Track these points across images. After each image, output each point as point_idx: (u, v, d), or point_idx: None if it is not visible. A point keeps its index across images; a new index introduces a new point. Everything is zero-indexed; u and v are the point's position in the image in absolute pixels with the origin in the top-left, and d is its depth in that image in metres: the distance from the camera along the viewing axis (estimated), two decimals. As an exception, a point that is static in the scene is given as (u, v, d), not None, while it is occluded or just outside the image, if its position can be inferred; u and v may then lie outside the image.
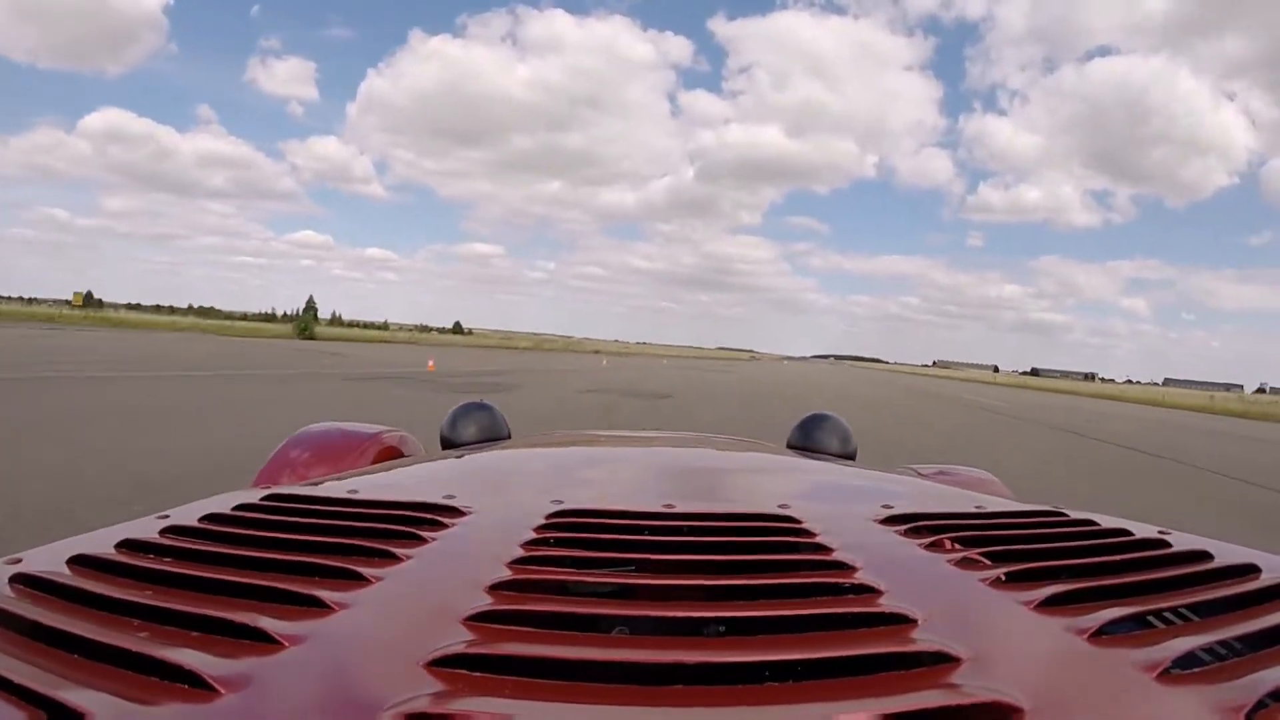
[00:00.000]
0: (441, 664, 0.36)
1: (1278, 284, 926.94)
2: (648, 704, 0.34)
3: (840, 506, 0.82)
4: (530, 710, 0.33)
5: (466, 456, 1.12)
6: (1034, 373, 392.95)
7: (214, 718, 0.32)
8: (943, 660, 0.37)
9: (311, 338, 39.35)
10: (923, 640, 0.39)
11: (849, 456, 1.53)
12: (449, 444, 1.52)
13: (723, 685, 0.36)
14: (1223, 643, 0.43)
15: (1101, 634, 0.42)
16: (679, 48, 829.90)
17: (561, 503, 0.66)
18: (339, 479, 0.84)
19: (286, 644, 0.38)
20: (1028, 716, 0.32)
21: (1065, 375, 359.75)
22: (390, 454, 1.54)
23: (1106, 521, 0.67)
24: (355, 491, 0.71)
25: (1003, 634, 0.43)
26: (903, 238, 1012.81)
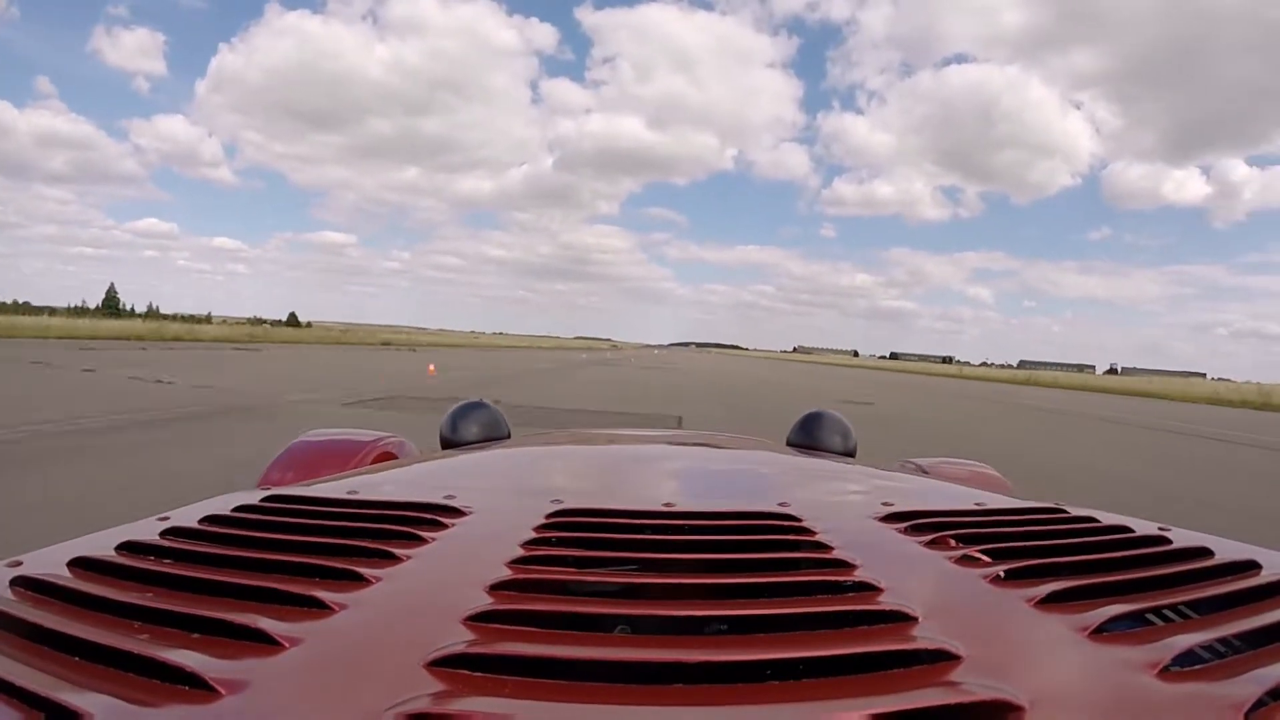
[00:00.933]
0: (442, 664, 0.36)
1: (1114, 275, 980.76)
2: (649, 703, 0.34)
3: (840, 504, 0.82)
4: (531, 710, 0.32)
5: (466, 456, 1.11)
6: (894, 356, 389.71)
7: (215, 719, 0.32)
8: (943, 658, 0.37)
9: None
10: (923, 638, 0.39)
11: (849, 454, 1.52)
12: (448, 444, 1.52)
13: (724, 684, 0.36)
14: (1223, 640, 0.43)
15: (1102, 631, 0.42)
16: (544, 35, 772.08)
17: (561, 502, 0.66)
18: (338, 480, 0.83)
19: (287, 645, 0.38)
20: (1028, 714, 0.32)
21: (924, 359, 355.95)
22: (389, 460, 1.53)
23: (1106, 518, 0.67)
24: (355, 492, 0.71)
25: (1003, 631, 0.43)
26: (759, 229, 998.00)
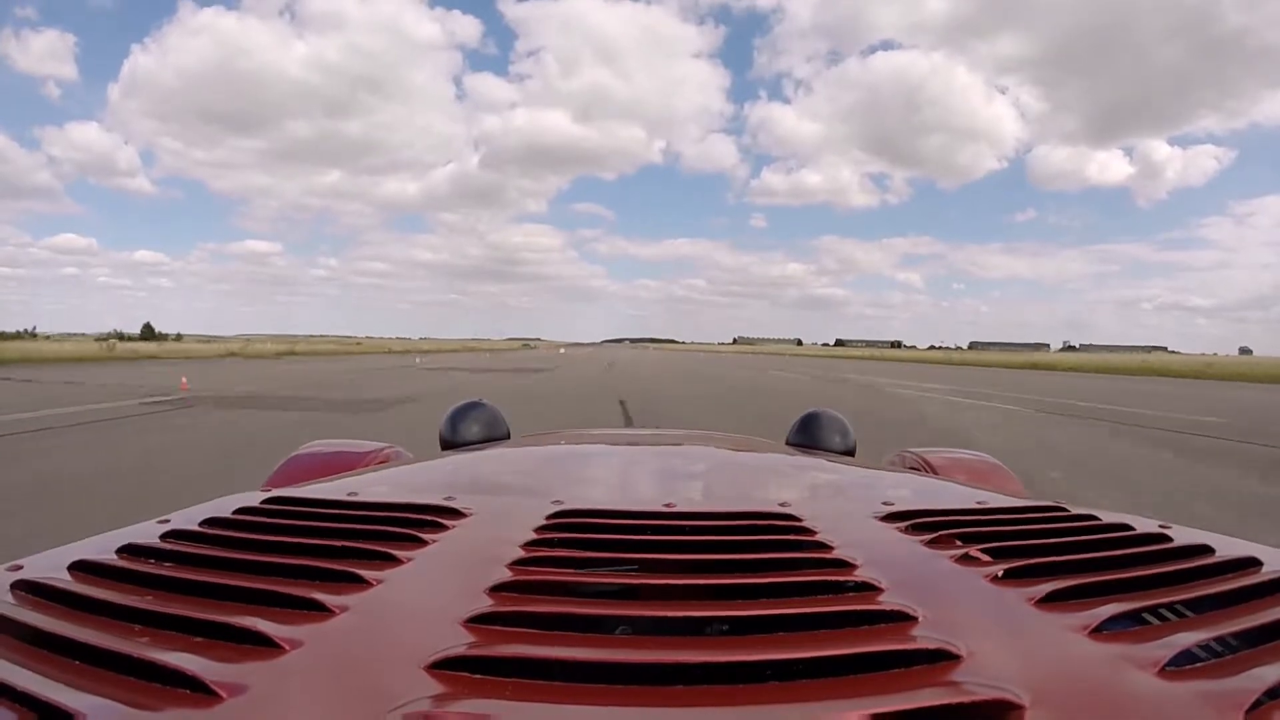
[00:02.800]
0: (443, 666, 0.36)
1: (1040, 255, 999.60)
2: (650, 704, 0.33)
3: (840, 504, 0.81)
4: (532, 712, 0.32)
5: (466, 457, 1.11)
6: (839, 343, 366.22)
7: None
8: (944, 657, 0.37)
9: None
10: (924, 638, 0.39)
11: (848, 452, 1.52)
12: (448, 445, 1.51)
13: (725, 685, 0.36)
14: (1223, 638, 0.43)
15: (1102, 630, 0.41)
16: (467, 28, 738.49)
17: (561, 503, 0.65)
18: (338, 482, 0.83)
19: (287, 648, 0.38)
20: (1028, 713, 0.32)
21: (871, 344, 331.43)
22: None
23: (1107, 517, 0.66)
24: (355, 494, 0.71)
25: (1003, 631, 0.42)
26: (689, 222, 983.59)
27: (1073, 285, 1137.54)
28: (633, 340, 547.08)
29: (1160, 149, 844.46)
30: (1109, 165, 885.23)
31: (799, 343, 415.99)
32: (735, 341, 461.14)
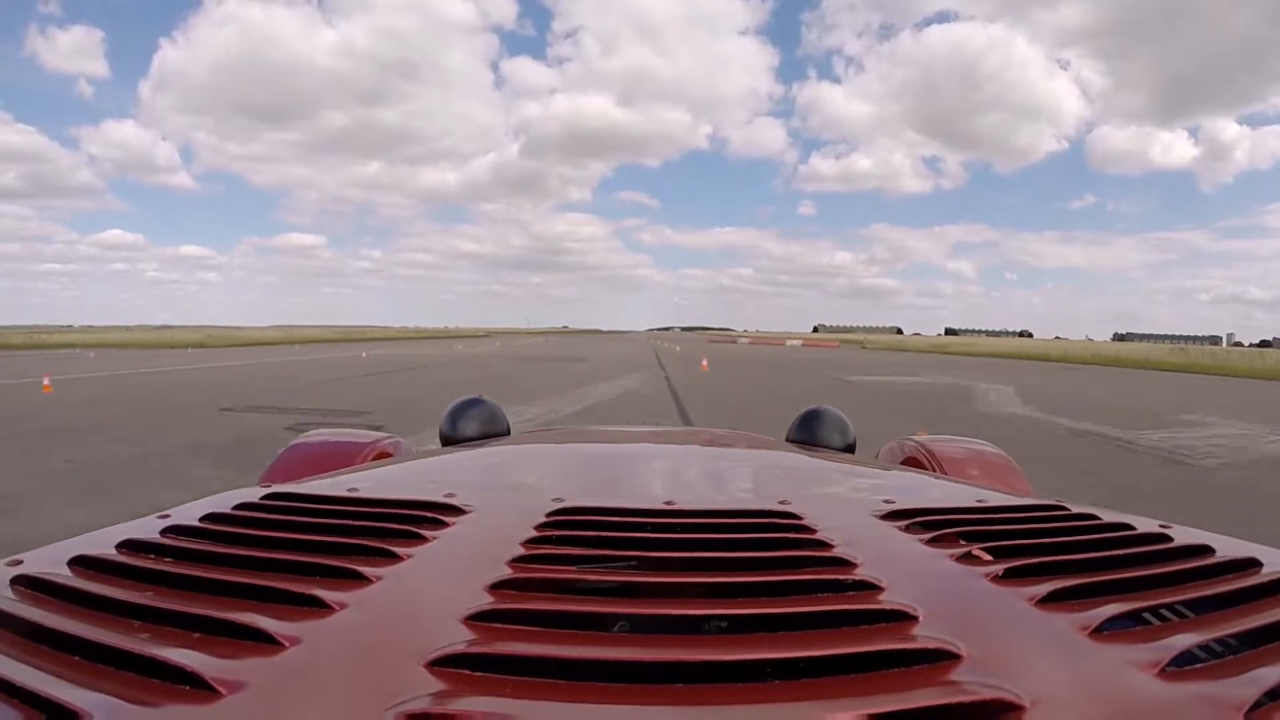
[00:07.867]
0: (442, 663, 0.36)
1: (1095, 244, 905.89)
2: (650, 702, 0.34)
3: (840, 502, 0.82)
4: (532, 709, 0.33)
5: (466, 454, 1.12)
6: (949, 333, 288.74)
7: (214, 719, 0.32)
8: (944, 657, 0.37)
9: None
10: (924, 637, 0.39)
11: (848, 449, 1.52)
12: (448, 441, 1.52)
13: (724, 683, 0.36)
14: (1223, 639, 0.43)
15: (1102, 630, 0.41)
16: (501, 7, 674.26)
17: (562, 500, 0.66)
18: (339, 477, 0.84)
19: (287, 644, 0.38)
20: (1028, 713, 0.32)
21: (992, 335, 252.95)
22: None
23: (1108, 516, 0.66)
24: (355, 490, 0.72)
25: (1003, 630, 0.43)
26: (735, 209, 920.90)
27: (1129, 275, 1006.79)
28: (683, 328, 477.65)
29: (1228, 128, 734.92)
30: (1173, 147, 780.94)
31: (899, 331, 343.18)
32: (816, 330, 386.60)
